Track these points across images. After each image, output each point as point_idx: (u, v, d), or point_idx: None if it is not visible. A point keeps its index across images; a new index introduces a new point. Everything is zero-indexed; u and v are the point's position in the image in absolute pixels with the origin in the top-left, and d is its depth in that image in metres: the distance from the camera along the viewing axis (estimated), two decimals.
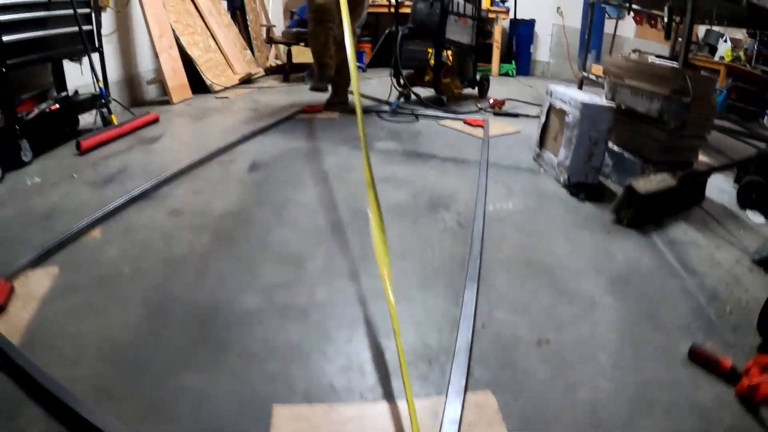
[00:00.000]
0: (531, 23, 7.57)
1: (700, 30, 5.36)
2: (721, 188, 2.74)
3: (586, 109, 2.26)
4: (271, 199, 2.08)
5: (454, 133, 3.18)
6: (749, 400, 1.17)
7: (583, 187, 2.37)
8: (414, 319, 1.39)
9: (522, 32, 7.47)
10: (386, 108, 3.72)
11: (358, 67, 6.55)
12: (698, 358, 1.30)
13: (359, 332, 1.33)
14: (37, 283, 1.51)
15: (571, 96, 2.36)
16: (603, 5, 5.24)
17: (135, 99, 4.41)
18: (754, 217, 2.55)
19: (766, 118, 6.80)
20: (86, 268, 1.58)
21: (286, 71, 5.54)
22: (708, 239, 2.11)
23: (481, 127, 3.24)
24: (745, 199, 2.58)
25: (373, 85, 5.22)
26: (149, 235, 1.77)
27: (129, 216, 1.92)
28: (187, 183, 2.24)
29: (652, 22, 5.03)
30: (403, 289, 1.47)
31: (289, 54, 5.65)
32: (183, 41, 4.58)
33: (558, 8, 7.64)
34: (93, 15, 3.34)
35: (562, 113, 2.42)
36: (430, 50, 4.51)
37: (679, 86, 2.29)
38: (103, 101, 3.33)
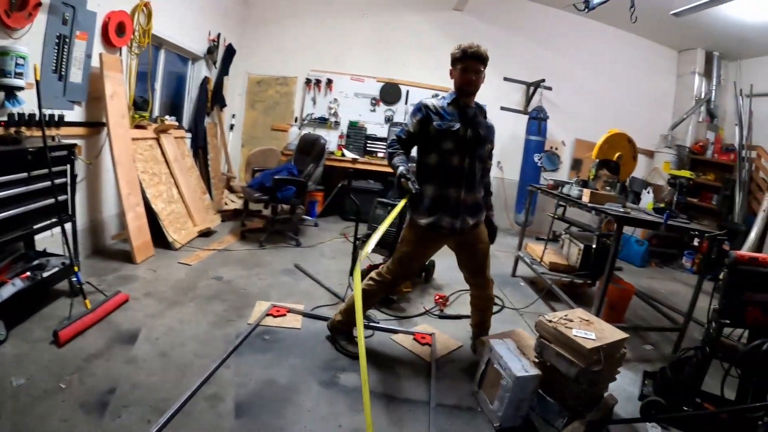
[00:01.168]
0: None
1: None
2: (628, 395, 3.46)
3: (518, 380, 2.85)
4: None
5: (406, 354, 3.63)
6: None
7: (511, 431, 2.94)
8: None
9: None
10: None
11: (310, 219, 7.13)
12: None
13: None
14: None
15: (507, 363, 2.95)
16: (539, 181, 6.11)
17: (97, 246, 4.75)
18: (653, 431, 3.12)
19: (684, 258, 7.93)
20: None
21: (242, 223, 6.02)
22: None
23: (429, 345, 3.76)
24: (645, 415, 3.14)
25: (326, 255, 5.76)
26: None
27: None
28: (186, 429, 2.51)
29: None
30: None
31: (245, 204, 6.16)
32: (148, 194, 5.01)
33: (498, 162, 8.60)
34: (69, 185, 3.69)
35: (499, 374, 2.99)
36: None
37: (593, 361, 2.89)
38: (77, 285, 3.67)
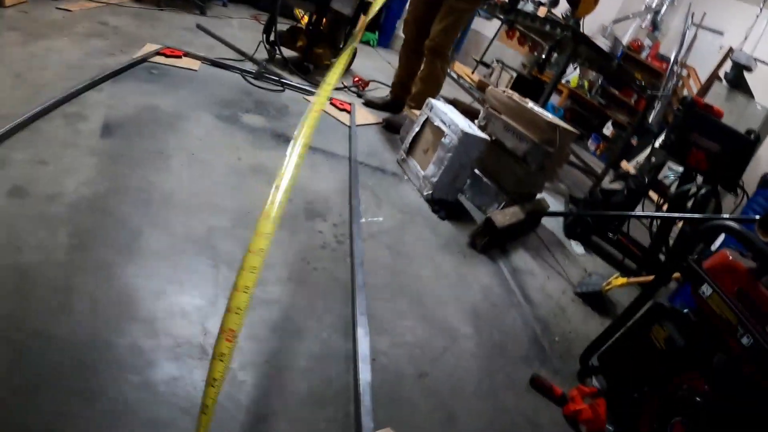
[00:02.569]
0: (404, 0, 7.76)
1: None
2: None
3: (466, 137, 2.42)
4: (134, 185, 1.80)
5: (321, 114, 3.10)
6: (573, 421, 1.64)
7: (444, 204, 2.56)
8: (309, 353, 1.43)
9: (393, 7, 7.74)
10: (251, 68, 3.48)
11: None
12: (537, 385, 1.73)
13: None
14: None
15: (452, 119, 2.50)
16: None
17: None
18: (577, 248, 3.06)
19: (590, 141, 7.96)
20: None
21: None
22: (541, 268, 2.57)
23: (348, 112, 3.26)
24: (571, 231, 3.10)
25: (234, 26, 4.96)
26: None
27: None
28: (29, 144, 1.83)
29: (521, 40, 5.47)
30: (295, 318, 1.52)
31: None
32: None
33: None
34: None
35: (440, 132, 2.54)
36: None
37: (548, 138, 2.57)
38: None
